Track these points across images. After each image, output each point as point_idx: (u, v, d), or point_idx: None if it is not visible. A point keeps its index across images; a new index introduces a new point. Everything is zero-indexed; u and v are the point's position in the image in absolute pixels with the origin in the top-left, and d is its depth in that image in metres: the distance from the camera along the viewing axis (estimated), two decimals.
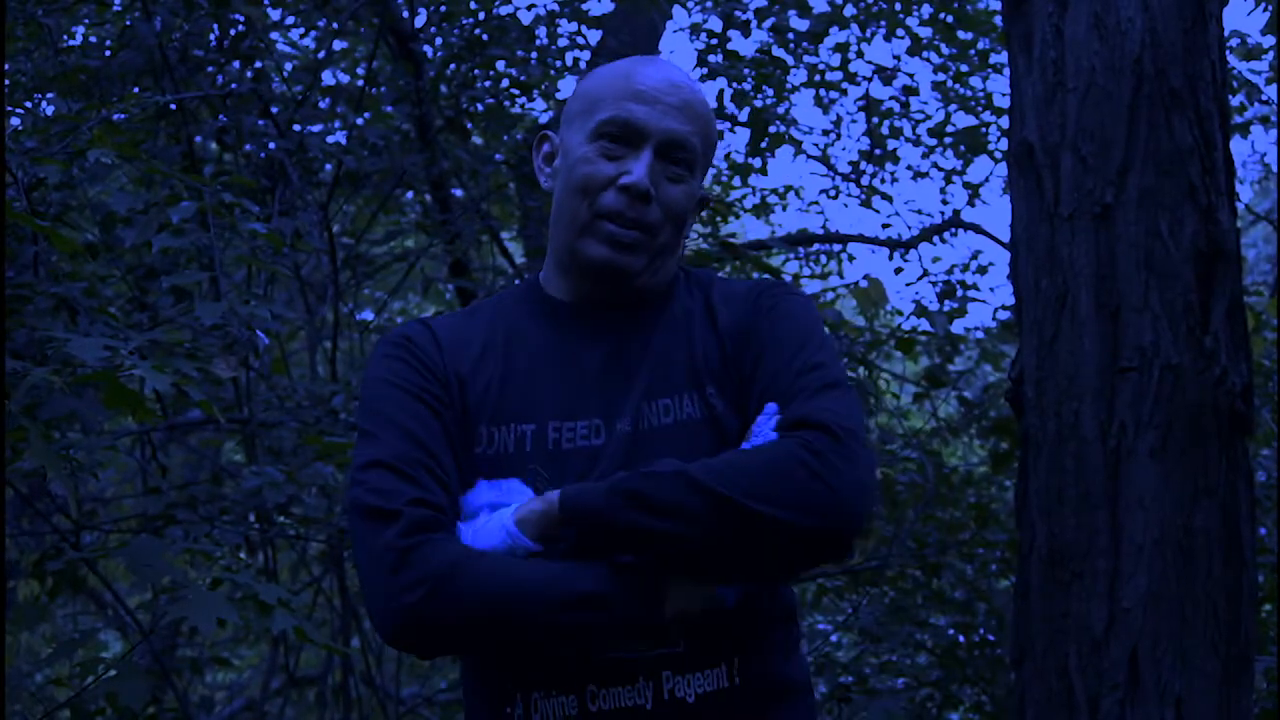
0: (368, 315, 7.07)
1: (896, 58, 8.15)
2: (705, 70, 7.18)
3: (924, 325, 5.82)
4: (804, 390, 1.70)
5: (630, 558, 1.61)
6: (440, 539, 1.63)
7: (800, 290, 1.89)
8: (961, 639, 5.00)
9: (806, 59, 7.91)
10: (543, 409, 1.77)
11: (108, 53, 4.52)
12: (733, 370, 1.79)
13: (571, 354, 1.82)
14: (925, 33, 8.04)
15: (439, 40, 5.71)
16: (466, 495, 1.72)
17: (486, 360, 1.81)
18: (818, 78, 8.09)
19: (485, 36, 5.55)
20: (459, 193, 5.84)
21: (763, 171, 8.14)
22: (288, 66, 5.20)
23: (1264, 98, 7.29)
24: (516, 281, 5.53)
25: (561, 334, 1.84)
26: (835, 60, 8.07)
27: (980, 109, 8.23)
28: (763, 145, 7.70)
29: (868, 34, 7.97)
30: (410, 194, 6.24)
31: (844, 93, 8.25)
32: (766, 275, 4.96)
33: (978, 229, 8.39)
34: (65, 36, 4.56)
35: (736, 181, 8.38)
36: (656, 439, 1.73)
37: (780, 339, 1.78)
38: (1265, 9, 6.58)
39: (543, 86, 6.11)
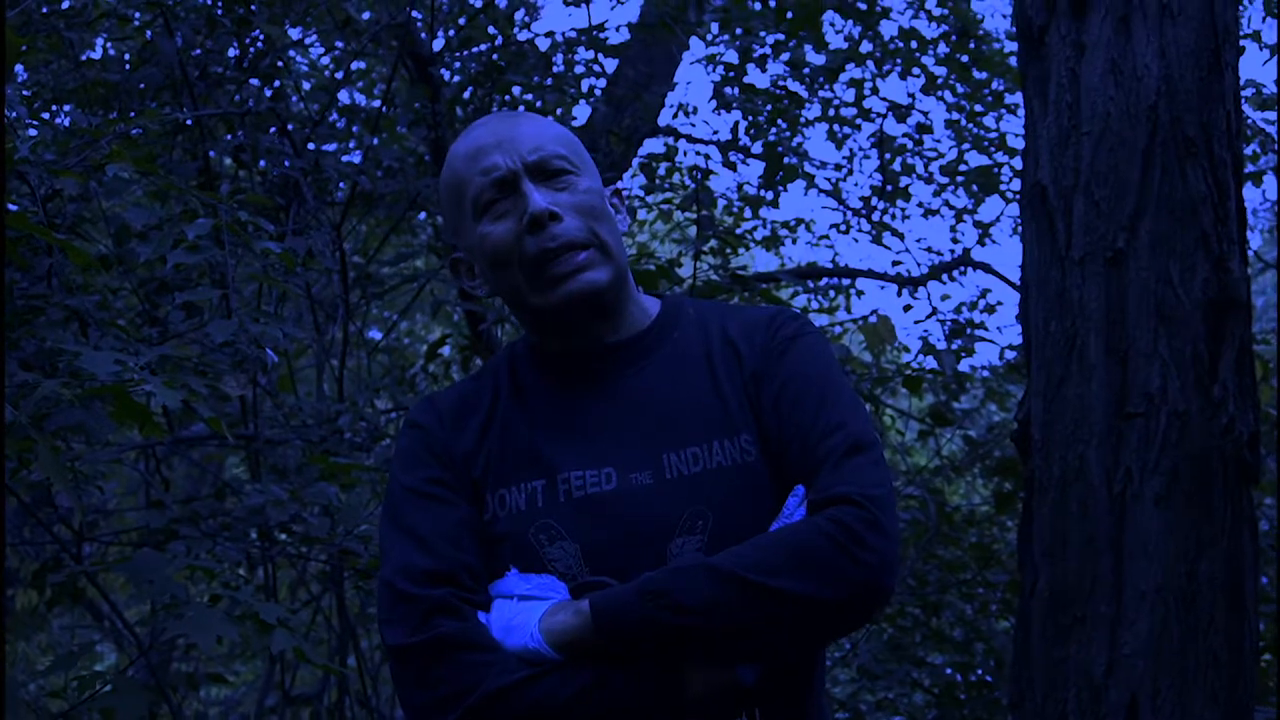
0: (375, 335, 7.09)
1: (911, 95, 8.18)
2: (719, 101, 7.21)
3: (930, 363, 5.82)
4: (830, 456, 1.68)
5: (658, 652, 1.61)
6: (466, 657, 1.63)
7: (811, 325, 1.85)
8: (959, 679, 4.98)
9: (821, 93, 7.94)
10: (551, 463, 1.75)
11: (128, 66, 4.55)
12: (758, 413, 1.76)
13: (576, 405, 1.79)
14: (940, 71, 8.07)
15: (457, 65, 5.74)
16: (497, 583, 1.72)
17: (491, 428, 1.80)
18: (832, 112, 8.12)
19: (503, 62, 5.58)
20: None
21: (774, 204, 8.15)
22: (305, 85, 5.23)
23: (1277, 147, 7.30)
24: None
25: (563, 386, 1.81)
26: (850, 96, 8.11)
27: (993, 149, 8.25)
28: (776, 178, 7.71)
29: (883, 71, 7.99)
30: (423, 215, 6.26)
31: (858, 128, 8.27)
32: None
33: (987, 268, 8.40)
34: (86, 50, 4.59)
35: (748, 213, 8.40)
36: (685, 488, 1.71)
37: (800, 394, 1.74)
38: None
39: (558, 113, 6.13)
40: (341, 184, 4.98)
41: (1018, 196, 5.30)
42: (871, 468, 1.68)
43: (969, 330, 6.68)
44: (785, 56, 7.46)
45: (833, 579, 1.59)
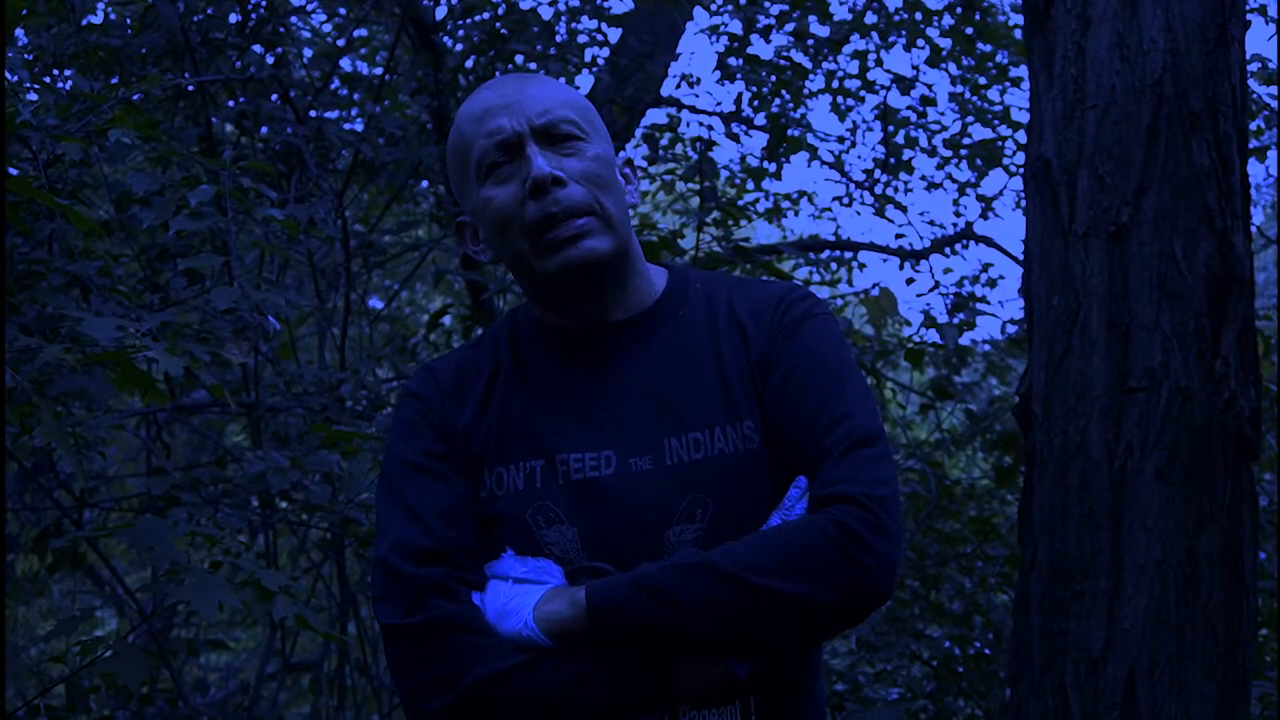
0: (377, 304, 7.09)
1: (915, 68, 8.15)
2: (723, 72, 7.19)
3: (932, 336, 5.82)
4: (833, 450, 1.64)
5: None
6: (460, 640, 1.62)
7: (822, 305, 1.79)
8: (958, 652, 5.00)
9: (825, 65, 7.91)
10: (550, 443, 1.71)
11: (129, 31, 4.53)
12: (762, 399, 1.72)
13: (577, 384, 1.75)
14: (945, 44, 8.04)
15: (460, 33, 5.72)
16: (493, 564, 1.70)
17: (491, 402, 1.76)
18: (835, 84, 8.10)
19: (505, 31, 5.56)
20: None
21: (777, 176, 8.13)
22: (307, 52, 5.22)
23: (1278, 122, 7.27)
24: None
25: (565, 364, 1.77)
26: (854, 67, 8.08)
27: (997, 122, 8.23)
28: (779, 150, 7.69)
29: (887, 43, 7.97)
30: (425, 184, 6.25)
31: (861, 100, 8.24)
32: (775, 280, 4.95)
33: (990, 242, 8.38)
34: (88, 15, 4.57)
35: (750, 185, 8.38)
36: (685, 476, 1.67)
37: (806, 382, 1.70)
38: None
39: (560, 82, 6.09)
40: (344, 152, 4.97)
41: (1021, 170, 5.30)
42: (876, 463, 1.64)
43: (971, 304, 6.67)
44: (789, 27, 7.43)
45: (832, 582, 1.57)
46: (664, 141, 7.03)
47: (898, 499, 1.65)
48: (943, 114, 9.69)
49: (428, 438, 1.75)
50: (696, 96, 9.47)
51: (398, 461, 1.75)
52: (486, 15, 5.69)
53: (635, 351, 1.76)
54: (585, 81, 6.87)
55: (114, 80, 4.35)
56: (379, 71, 5.83)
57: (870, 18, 7.87)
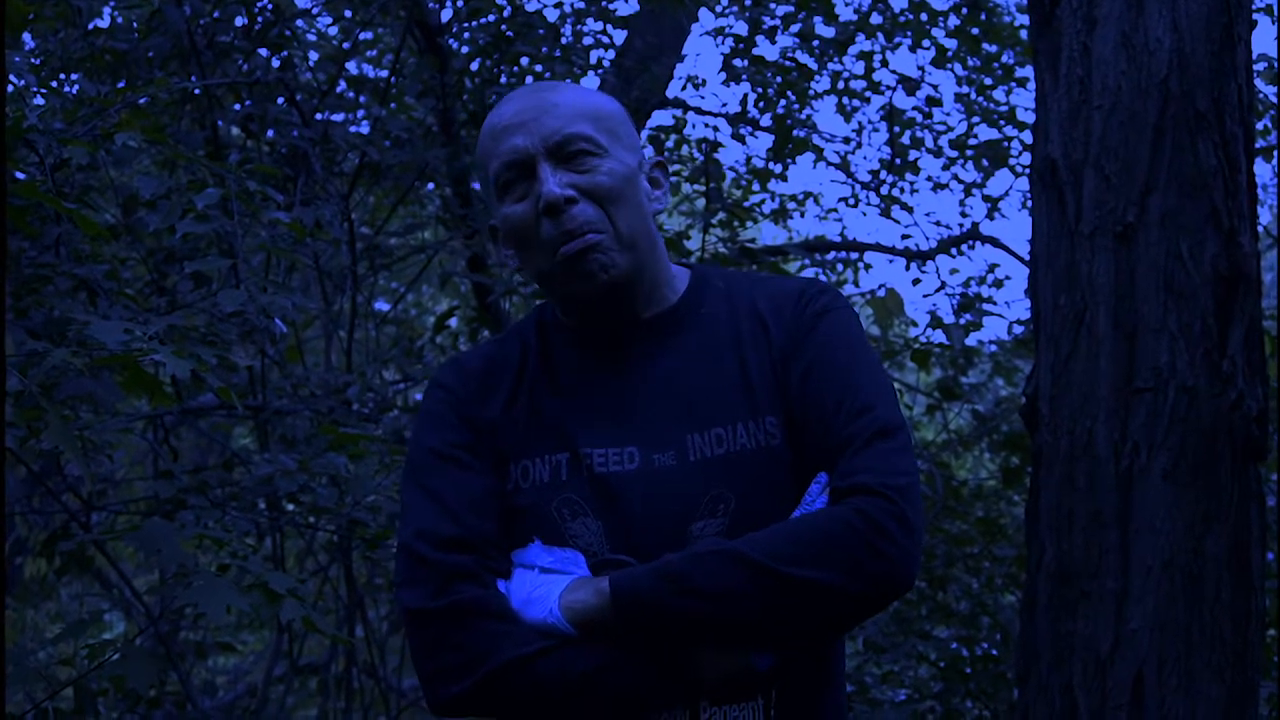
0: (383, 306, 7.09)
1: (921, 68, 8.15)
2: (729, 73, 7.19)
3: (939, 337, 5.82)
4: (854, 441, 1.65)
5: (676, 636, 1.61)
6: (484, 625, 1.64)
7: (842, 299, 1.81)
8: (965, 653, 5.00)
9: (830, 66, 7.91)
10: (577, 437, 1.73)
11: (135, 35, 4.54)
12: (784, 395, 1.73)
13: (602, 381, 1.77)
14: (951, 44, 8.03)
15: (466, 35, 5.72)
16: (520, 552, 1.71)
17: (518, 396, 1.79)
18: (841, 85, 8.09)
19: (511, 33, 5.56)
20: (479, 187, 5.82)
21: (782, 177, 8.13)
22: (313, 55, 5.22)
23: None
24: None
25: (590, 361, 1.79)
26: (859, 68, 8.08)
27: (1003, 123, 8.22)
28: (785, 151, 7.69)
29: (893, 43, 7.96)
30: (431, 186, 6.25)
31: (867, 101, 8.24)
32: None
33: (996, 242, 8.38)
34: (94, 18, 4.57)
35: (756, 186, 8.38)
36: (707, 471, 1.69)
37: (826, 375, 1.71)
38: None
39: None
40: (350, 154, 4.98)
41: (1027, 170, 5.29)
42: (896, 454, 1.66)
43: (977, 304, 6.67)
44: (795, 28, 7.43)
45: (854, 571, 1.58)
46: (670, 143, 7.03)
47: (918, 490, 1.66)
48: (948, 114, 9.68)
49: (454, 428, 1.77)
50: (702, 98, 9.48)
51: (424, 451, 1.77)
52: (492, 18, 5.69)
53: (658, 349, 1.78)
54: (591, 84, 6.87)
55: (120, 84, 4.36)
56: (385, 74, 5.84)
57: (875, 18, 7.87)
